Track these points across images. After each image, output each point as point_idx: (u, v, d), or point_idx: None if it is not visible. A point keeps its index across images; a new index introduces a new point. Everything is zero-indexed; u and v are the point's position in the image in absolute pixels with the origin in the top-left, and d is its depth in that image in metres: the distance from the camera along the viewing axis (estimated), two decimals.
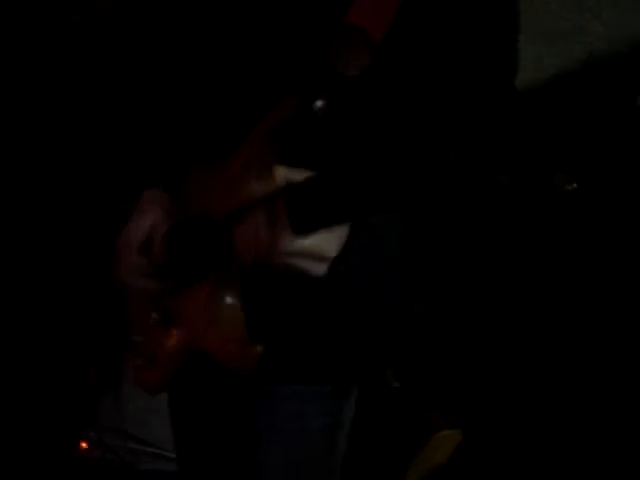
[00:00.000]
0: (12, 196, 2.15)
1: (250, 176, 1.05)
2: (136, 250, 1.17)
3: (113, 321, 1.31)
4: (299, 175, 0.98)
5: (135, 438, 2.18)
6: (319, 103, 1.01)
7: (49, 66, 2.05)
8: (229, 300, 1.13)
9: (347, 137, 1.04)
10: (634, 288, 1.65)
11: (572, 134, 1.68)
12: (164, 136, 1.24)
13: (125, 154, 1.32)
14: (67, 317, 2.08)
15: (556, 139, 1.70)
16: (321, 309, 1.14)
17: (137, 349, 1.25)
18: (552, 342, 1.73)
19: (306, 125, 1.01)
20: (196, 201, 1.17)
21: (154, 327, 1.23)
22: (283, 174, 0.98)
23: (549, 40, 1.85)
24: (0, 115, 2.08)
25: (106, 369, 2.09)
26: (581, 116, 1.71)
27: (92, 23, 1.60)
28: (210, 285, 1.15)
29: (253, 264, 1.04)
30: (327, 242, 0.99)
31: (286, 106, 1.03)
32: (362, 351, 1.22)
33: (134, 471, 2.19)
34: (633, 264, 1.66)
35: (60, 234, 2.18)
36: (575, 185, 1.59)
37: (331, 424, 1.25)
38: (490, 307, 1.78)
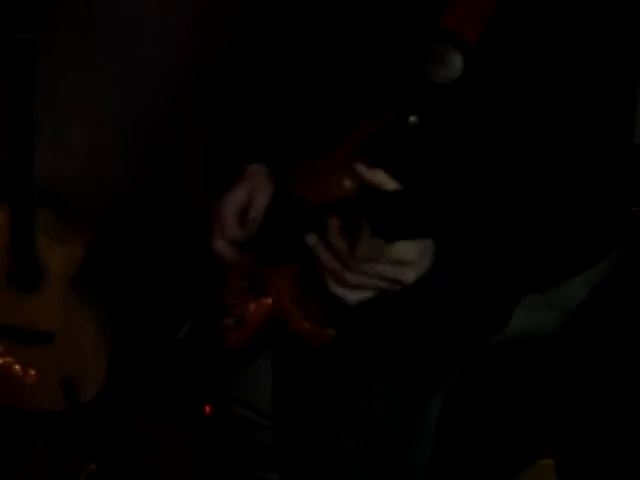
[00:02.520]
0: None
1: (342, 177, 1.14)
2: (232, 220, 1.27)
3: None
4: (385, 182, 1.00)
5: (259, 411, 2.33)
6: (413, 118, 1.06)
7: None
8: (313, 283, 1.19)
9: (438, 151, 1.08)
10: None
11: None
12: (276, 120, 1.34)
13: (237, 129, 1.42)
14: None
15: None
16: (404, 308, 1.16)
17: (229, 311, 1.38)
18: None
19: (399, 138, 1.06)
20: (293, 187, 1.26)
21: (244, 293, 1.36)
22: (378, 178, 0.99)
23: None
24: None
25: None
26: None
27: None
28: (298, 266, 1.23)
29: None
30: (407, 248, 0.99)
31: (382, 118, 1.09)
32: (443, 355, 1.27)
33: (249, 440, 2.35)
34: None
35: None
36: None
37: (405, 424, 1.30)
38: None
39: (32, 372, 2.17)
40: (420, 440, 1.32)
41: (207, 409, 2.37)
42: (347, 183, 1.14)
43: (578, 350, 1.85)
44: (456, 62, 1.00)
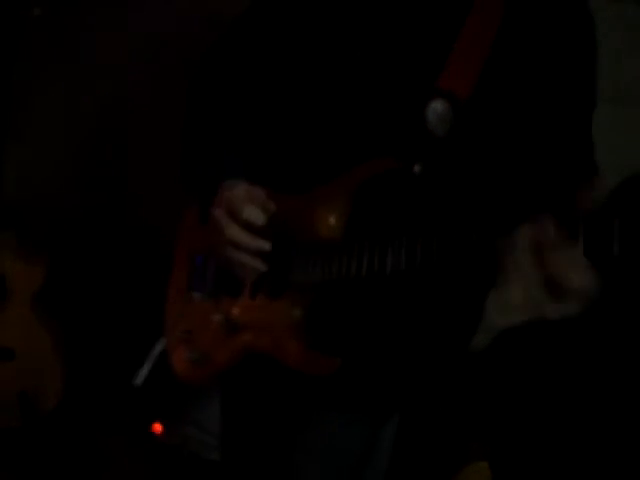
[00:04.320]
0: None
1: (327, 215, 1.20)
2: (244, 201, 1.22)
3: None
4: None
5: (208, 432, 2.42)
6: (417, 167, 1.15)
7: None
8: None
9: (442, 196, 1.17)
10: None
11: None
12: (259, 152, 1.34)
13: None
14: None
15: None
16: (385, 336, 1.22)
17: (192, 344, 1.35)
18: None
19: (404, 186, 1.14)
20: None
21: (215, 330, 1.32)
22: None
23: None
24: None
25: None
26: None
27: None
28: (288, 301, 1.24)
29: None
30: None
31: (375, 165, 1.16)
32: (408, 384, 1.32)
33: (197, 459, 2.43)
34: None
35: None
36: None
37: (367, 444, 1.33)
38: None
39: None
40: (374, 463, 1.36)
41: (156, 428, 2.46)
42: (332, 220, 1.20)
43: (507, 364, 2.03)
44: (448, 115, 1.15)
